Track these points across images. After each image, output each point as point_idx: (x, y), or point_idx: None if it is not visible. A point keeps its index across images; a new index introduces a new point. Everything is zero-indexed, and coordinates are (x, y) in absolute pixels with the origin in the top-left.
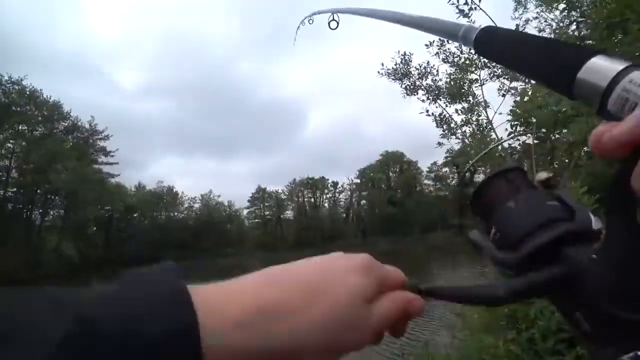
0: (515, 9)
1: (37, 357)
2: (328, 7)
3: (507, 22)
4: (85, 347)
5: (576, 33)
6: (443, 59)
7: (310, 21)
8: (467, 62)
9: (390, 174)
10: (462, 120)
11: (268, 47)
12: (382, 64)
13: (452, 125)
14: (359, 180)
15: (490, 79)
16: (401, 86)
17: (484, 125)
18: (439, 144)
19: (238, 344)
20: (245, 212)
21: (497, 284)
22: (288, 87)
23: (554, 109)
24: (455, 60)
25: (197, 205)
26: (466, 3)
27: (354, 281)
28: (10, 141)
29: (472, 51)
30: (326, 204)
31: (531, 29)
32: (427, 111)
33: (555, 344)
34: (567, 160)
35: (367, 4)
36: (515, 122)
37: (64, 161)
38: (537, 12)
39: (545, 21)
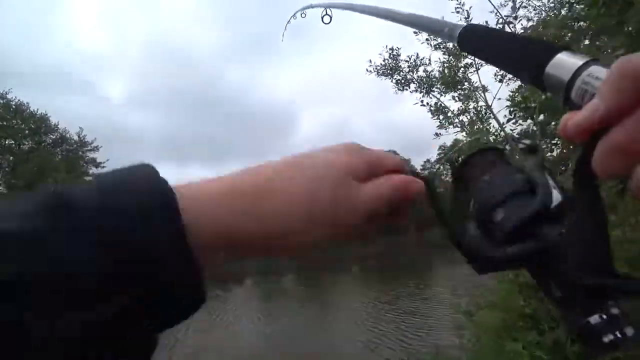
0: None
1: (14, 218)
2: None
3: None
4: (59, 211)
5: (569, 13)
6: (435, 46)
7: (303, 15)
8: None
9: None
10: (459, 109)
11: (256, 52)
12: (370, 61)
13: (448, 114)
14: None
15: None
16: (392, 81)
17: (483, 112)
18: (437, 134)
19: (219, 221)
20: None
21: (484, 247)
22: (278, 90)
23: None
24: (448, 46)
25: None
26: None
27: (339, 159)
28: None
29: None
30: None
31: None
32: (422, 101)
33: None
34: (571, 147)
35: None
36: (514, 109)
37: (54, 174)
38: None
39: (535, 9)
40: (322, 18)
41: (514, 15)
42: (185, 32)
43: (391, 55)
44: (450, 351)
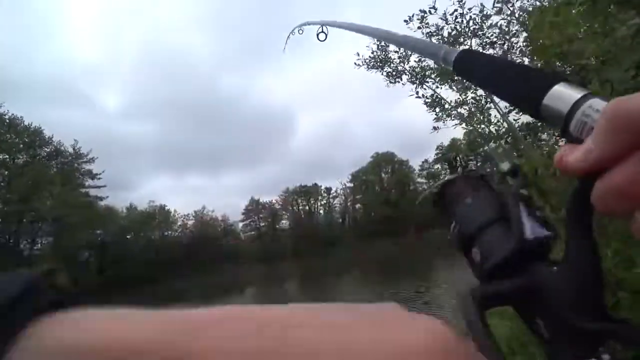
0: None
1: None
2: (309, 18)
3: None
4: None
5: None
6: (427, 34)
7: (300, 31)
8: (455, 32)
9: (383, 175)
10: (456, 101)
11: (252, 59)
12: (358, 54)
13: (445, 106)
14: (352, 184)
15: (483, 48)
16: (382, 74)
17: (483, 101)
18: (434, 128)
19: None
20: (240, 225)
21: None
22: (273, 96)
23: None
24: (441, 34)
25: (191, 222)
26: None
27: None
28: None
29: (459, 20)
30: (321, 211)
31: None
32: (417, 93)
33: None
34: None
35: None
36: None
37: (49, 187)
38: None
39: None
40: (318, 35)
41: None
42: (180, 40)
43: (379, 47)
44: None
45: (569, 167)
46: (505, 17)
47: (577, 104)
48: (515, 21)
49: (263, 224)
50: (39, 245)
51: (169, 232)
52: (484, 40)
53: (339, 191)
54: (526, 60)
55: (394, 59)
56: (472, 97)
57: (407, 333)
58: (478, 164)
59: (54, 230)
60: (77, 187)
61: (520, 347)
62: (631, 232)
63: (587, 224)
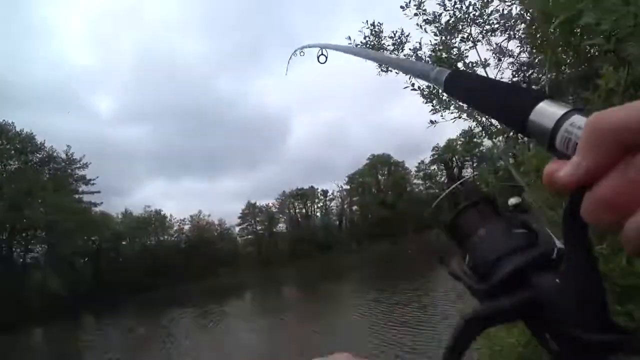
0: None
1: None
2: (304, 18)
3: None
4: None
5: None
6: (424, 21)
7: (302, 54)
8: (454, 18)
9: (379, 176)
10: None
11: (246, 61)
12: (350, 38)
13: (443, 98)
14: (348, 187)
15: (483, 37)
16: (374, 62)
17: None
18: (431, 122)
19: None
20: (237, 229)
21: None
22: (267, 100)
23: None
24: (439, 21)
25: (187, 227)
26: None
27: None
28: None
29: (458, 5)
30: (318, 214)
31: None
32: (413, 85)
33: None
34: None
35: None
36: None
37: (41, 194)
38: None
39: None
40: (318, 58)
41: None
42: (173, 44)
43: (373, 32)
44: None
45: (560, 182)
46: (508, 1)
47: (560, 120)
48: (516, 6)
49: (260, 227)
50: (33, 252)
51: (165, 237)
52: (485, 28)
53: (335, 193)
54: (524, 55)
55: (388, 45)
56: None
57: None
58: (474, 165)
59: (47, 237)
60: (70, 193)
61: None
62: (621, 244)
63: (582, 238)
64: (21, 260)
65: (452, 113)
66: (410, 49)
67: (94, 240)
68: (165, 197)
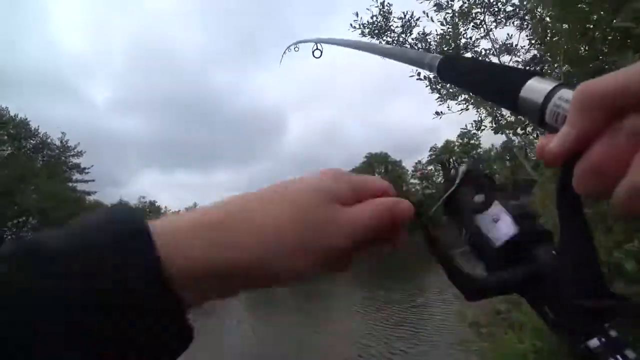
0: None
1: None
2: (302, 10)
3: None
4: (28, 261)
5: None
6: (435, 5)
7: (296, 49)
8: (467, 3)
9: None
10: None
11: (243, 54)
12: (357, 15)
13: (450, 88)
14: None
15: (497, 25)
16: (380, 43)
17: None
18: (437, 113)
19: (191, 253)
20: None
21: (476, 277)
22: (266, 93)
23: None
24: (451, 7)
25: None
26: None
27: (322, 184)
28: None
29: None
30: None
31: None
32: (419, 74)
33: None
34: None
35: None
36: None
37: (34, 181)
38: None
39: None
40: (313, 52)
41: None
42: (170, 35)
43: (381, 12)
44: None
45: (551, 154)
46: None
47: (549, 95)
48: None
49: None
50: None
51: None
52: (499, 17)
53: None
54: (533, 50)
55: (396, 27)
56: None
57: (298, 182)
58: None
59: (39, 225)
60: (64, 180)
61: None
62: (612, 209)
63: (576, 209)
64: None
65: (459, 104)
66: (419, 34)
67: None
68: (160, 189)
